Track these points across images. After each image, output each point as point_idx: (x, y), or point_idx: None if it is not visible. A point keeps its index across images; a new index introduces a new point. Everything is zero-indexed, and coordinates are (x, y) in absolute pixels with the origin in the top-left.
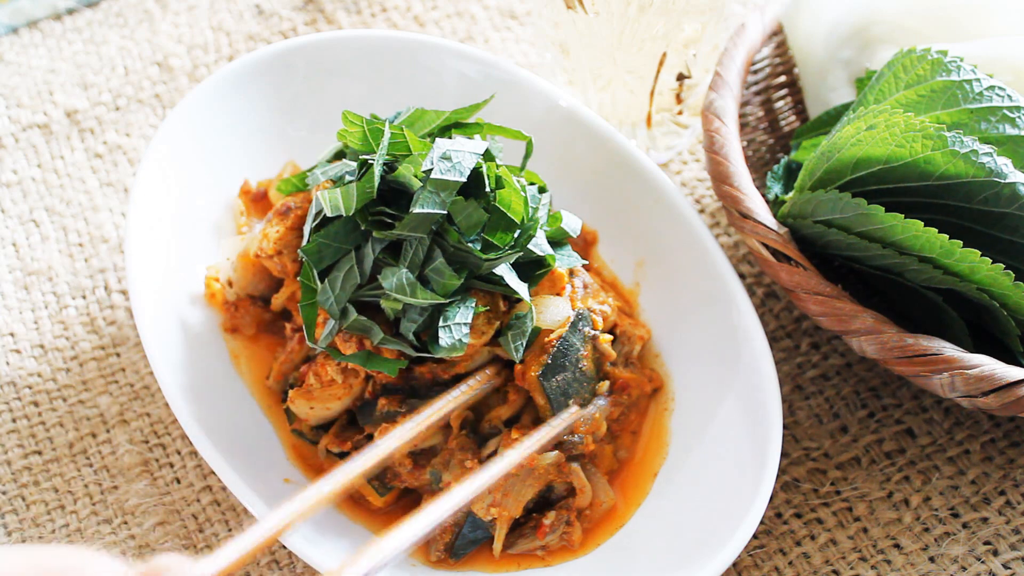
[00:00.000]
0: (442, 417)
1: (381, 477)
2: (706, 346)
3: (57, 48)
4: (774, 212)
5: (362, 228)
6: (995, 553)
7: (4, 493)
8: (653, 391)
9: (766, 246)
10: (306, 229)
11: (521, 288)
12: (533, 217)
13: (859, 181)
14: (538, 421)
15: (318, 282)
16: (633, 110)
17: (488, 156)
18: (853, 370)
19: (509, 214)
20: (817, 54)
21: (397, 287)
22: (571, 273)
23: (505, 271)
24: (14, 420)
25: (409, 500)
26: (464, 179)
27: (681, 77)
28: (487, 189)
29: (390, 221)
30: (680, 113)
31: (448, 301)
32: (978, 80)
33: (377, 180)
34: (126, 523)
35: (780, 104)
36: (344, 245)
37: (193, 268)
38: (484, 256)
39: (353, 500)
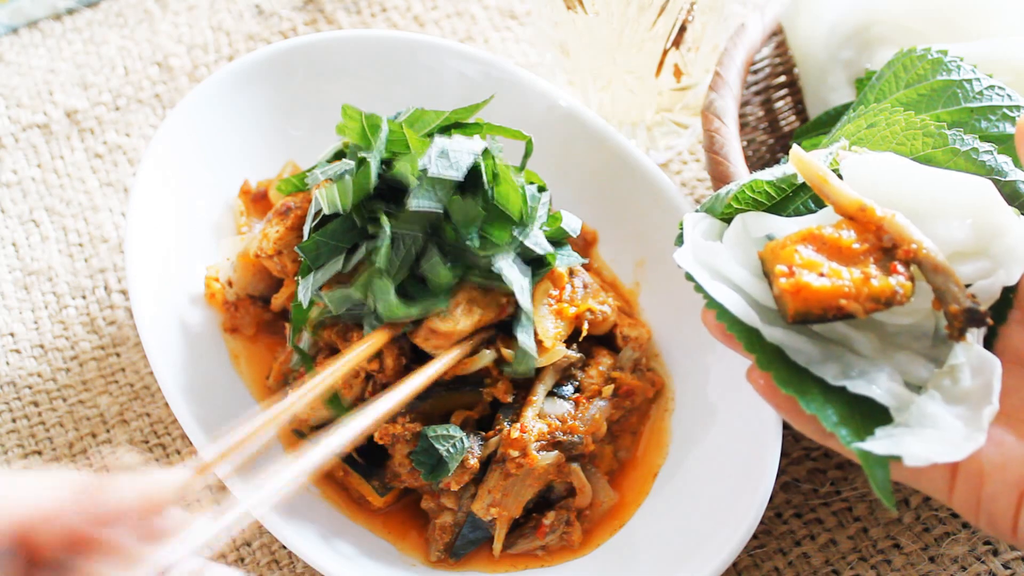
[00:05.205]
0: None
1: (381, 477)
2: (706, 346)
3: (57, 48)
4: None
5: (359, 226)
6: (995, 553)
7: None
8: (655, 393)
9: None
10: (306, 229)
11: (522, 282)
12: (532, 215)
13: None
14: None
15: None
16: (633, 110)
17: (487, 155)
18: None
19: (507, 209)
20: (817, 54)
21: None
22: (571, 273)
23: (506, 266)
24: (14, 420)
25: (409, 500)
26: (461, 177)
27: (683, 29)
28: (485, 185)
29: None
30: (673, 109)
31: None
32: (978, 79)
33: (374, 174)
34: None
35: (780, 104)
36: (342, 243)
37: (193, 268)
38: (482, 252)
39: (353, 501)
